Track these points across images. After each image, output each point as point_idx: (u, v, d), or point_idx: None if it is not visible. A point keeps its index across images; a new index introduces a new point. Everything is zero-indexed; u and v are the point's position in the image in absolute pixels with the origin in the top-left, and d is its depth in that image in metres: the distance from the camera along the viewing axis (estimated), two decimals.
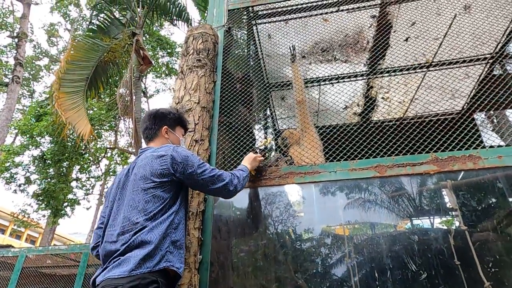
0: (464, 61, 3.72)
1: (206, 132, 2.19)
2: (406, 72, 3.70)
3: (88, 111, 8.79)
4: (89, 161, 10.08)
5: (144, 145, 1.80)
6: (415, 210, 2.24)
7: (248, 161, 1.87)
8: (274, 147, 3.48)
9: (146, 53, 4.36)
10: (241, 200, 2.15)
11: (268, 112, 4.24)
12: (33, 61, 18.19)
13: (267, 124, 4.01)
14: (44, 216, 14.55)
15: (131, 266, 1.29)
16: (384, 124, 3.67)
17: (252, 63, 3.55)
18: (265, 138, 2.29)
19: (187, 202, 1.64)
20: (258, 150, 2.08)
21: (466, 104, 4.21)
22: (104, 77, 5.96)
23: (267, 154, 2.16)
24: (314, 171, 1.97)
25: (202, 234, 1.91)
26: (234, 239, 2.12)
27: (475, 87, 3.91)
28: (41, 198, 7.96)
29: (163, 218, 1.42)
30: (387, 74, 3.86)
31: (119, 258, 1.34)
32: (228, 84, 2.57)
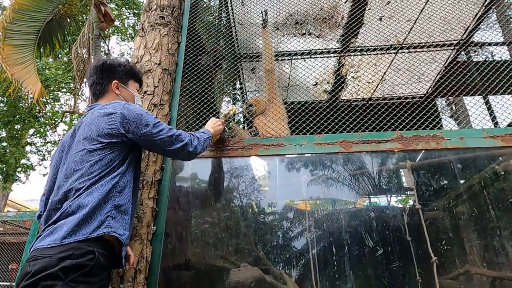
0: (432, 45, 3.77)
1: (166, 97, 2.04)
2: (377, 52, 3.68)
3: (44, 71, 8.12)
4: (45, 125, 9.41)
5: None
6: (374, 188, 2.27)
7: (210, 125, 1.74)
8: (239, 118, 3.38)
9: (108, 9, 3.99)
10: (202, 170, 2.05)
11: (238, 84, 4.10)
12: None
13: (235, 96, 3.88)
14: None
15: (62, 234, 1.14)
16: (353, 103, 3.68)
17: (222, 30, 3.36)
18: (231, 107, 2.17)
19: (137, 165, 1.48)
20: (222, 118, 1.97)
21: (430, 88, 4.31)
22: (61, 33, 5.45)
23: (231, 123, 2.06)
24: (279, 143, 1.90)
25: (157, 205, 1.80)
26: (194, 211, 2.04)
27: (440, 72, 3.99)
28: None
29: (105, 181, 1.27)
30: (358, 53, 3.83)
31: (51, 227, 1.20)
32: (194, 47, 2.39)
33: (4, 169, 7.74)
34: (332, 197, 2.13)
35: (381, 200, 2.29)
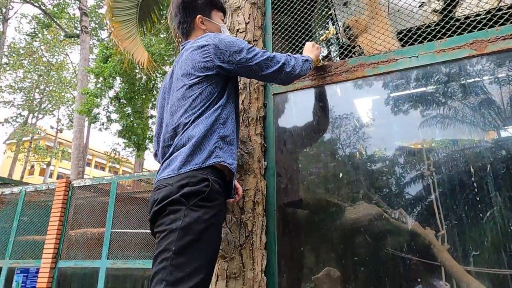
0: None
1: (259, 32, 1.95)
2: None
3: (149, 48, 8.96)
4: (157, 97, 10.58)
5: None
6: None
7: (308, 50, 1.61)
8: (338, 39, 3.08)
9: None
10: (305, 103, 1.94)
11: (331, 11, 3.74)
12: (96, 9, 18.78)
13: (331, 19, 3.55)
14: (131, 152, 16.28)
15: (178, 164, 1.23)
16: (475, 19, 2.98)
17: None
18: (327, 30, 1.96)
19: (236, 98, 1.49)
20: (319, 43, 1.80)
21: None
22: (156, 7, 5.83)
23: (330, 47, 1.87)
24: (389, 59, 1.65)
25: (265, 140, 1.79)
26: (300, 148, 1.98)
27: None
28: (123, 135, 8.77)
29: (208, 113, 1.30)
30: None
31: (167, 160, 1.30)
32: None
33: (135, 139, 9.13)
34: (461, 121, 1.78)
35: None
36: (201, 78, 1.33)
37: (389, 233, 1.83)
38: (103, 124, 9.46)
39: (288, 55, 1.46)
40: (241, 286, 1.51)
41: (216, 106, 1.33)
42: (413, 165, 1.76)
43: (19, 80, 21.18)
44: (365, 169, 1.84)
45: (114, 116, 9.37)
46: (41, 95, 22.40)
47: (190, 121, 1.29)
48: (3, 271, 5.56)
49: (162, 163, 1.33)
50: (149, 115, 11.19)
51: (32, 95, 21.88)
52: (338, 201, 1.95)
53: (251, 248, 1.56)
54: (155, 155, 1.57)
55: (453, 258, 1.71)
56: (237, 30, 1.93)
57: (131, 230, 5.28)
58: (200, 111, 1.30)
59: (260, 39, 1.95)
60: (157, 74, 9.91)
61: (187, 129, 1.28)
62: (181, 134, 1.29)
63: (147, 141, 10.40)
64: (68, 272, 5.27)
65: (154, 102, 10.92)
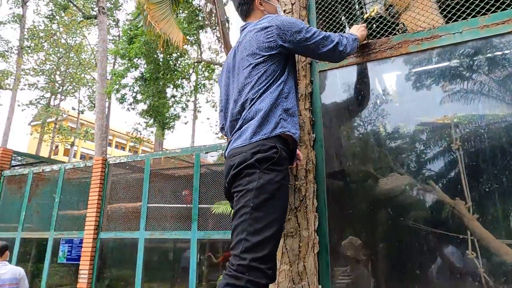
0: None
1: (304, 12, 2.06)
2: None
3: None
4: (180, 77, 10.75)
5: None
6: None
7: (354, 30, 1.74)
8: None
9: None
10: (349, 79, 2.07)
11: None
12: None
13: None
14: (152, 132, 16.68)
15: (249, 135, 1.41)
16: None
17: None
18: (370, 9, 2.05)
19: (295, 73, 1.66)
20: (362, 21, 1.90)
21: None
22: None
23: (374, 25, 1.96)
24: (433, 35, 1.74)
25: (313, 115, 1.94)
26: (344, 125, 2.11)
27: None
28: (149, 114, 9.05)
29: (273, 88, 1.47)
30: None
31: (238, 132, 1.47)
32: None
33: (160, 119, 9.42)
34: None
35: None
36: (265, 57, 1.48)
37: (419, 203, 1.98)
38: (131, 104, 9.78)
39: (340, 34, 1.60)
40: (297, 243, 1.71)
41: (279, 82, 1.48)
42: (460, 139, 1.88)
43: (41, 63, 21.70)
44: (402, 143, 1.97)
45: (138, 96, 9.66)
46: (62, 77, 22.92)
47: (257, 96, 1.45)
48: (49, 242, 6.02)
49: (233, 134, 1.51)
50: (170, 95, 11.41)
51: (53, 77, 22.42)
52: (376, 172, 2.10)
53: (305, 210, 1.75)
54: (222, 128, 1.76)
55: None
56: (284, 11, 2.04)
57: (166, 205, 5.59)
58: (265, 87, 1.46)
59: (305, 18, 2.06)
60: (177, 53, 10.02)
61: (254, 103, 1.45)
62: (249, 108, 1.45)
63: (170, 120, 10.69)
64: (109, 242, 5.68)
65: (175, 81, 11.13)
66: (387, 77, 2.02)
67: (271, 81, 1.47)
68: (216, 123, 24.11)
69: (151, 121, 10.03)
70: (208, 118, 30.68)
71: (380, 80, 2.02)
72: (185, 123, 18.81)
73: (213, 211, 4.15)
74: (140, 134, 16.51)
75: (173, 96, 11.10)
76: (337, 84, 2.03)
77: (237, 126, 1.49)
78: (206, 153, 5.38)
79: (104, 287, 5.72)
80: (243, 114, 1.48)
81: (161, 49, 5.02)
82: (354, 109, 2.01)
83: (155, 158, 5.78)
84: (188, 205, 5.75)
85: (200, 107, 15.96)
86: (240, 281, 1.17)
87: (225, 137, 1.81)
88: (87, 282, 5.35)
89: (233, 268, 1.21)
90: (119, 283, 5.99)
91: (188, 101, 11.89)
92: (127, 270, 6.11)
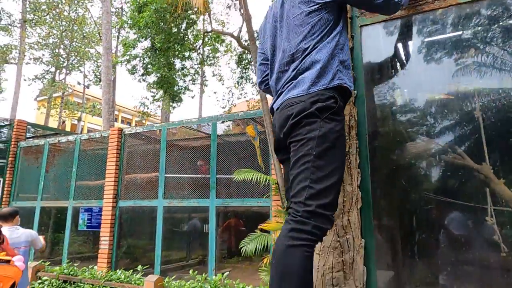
0: None
1: None
2: None
3: None
4: (189, 48, 10.57)
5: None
6: None
7: None
8: None
9: None
10: (391, 37, 2.00)
11: None
12: None
13: None
14: (159, 106, 16.63)
15: (307, 85, 1.38)
16: None
17: None
18: None
19: (347, 25, 1.59)
20: None
21: None
22: None
23: None
24: None
25: (354, 71, 1.90)
26: (386, 81, 2.06)
27: None
28: (159, 86, 8.97)
29: (329, 39, 1.43)
30: None
31: (292, 82, 1.44)
32: None
33: (170, 90, 9.35)
34: None
35: None
36: (320, 5, 1.42)
37: (447, 167, 1.97)
38: (142, 75, 9.65)
39: None
40: (342, 198, 1.72)
41: (335, 33, 1.43)
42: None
43: (44, 36, 21.39)
44: (444, 104, 1.93)
45: (148, 68, 9.53)
46: (67, 51, 22.66)
47: (311, 46, 1.41)
48: (68, 210, 6.16)
49: (284, 85, 1.48)
50: (179, 67, 11.26)
51: (57, 51, 22.17)
52: (412, 132, 2.07)
53: (348, 166, 1.75)
54: (261, 82, 1.72)
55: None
56: None
57: (182, 175, 5.64)
58: (319, 37, 1.41)
59: None
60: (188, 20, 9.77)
61: (309, 53, 1.41)
62: (303, 59, 1.41)
63: (179, 92, 10.60)
64: (128, 210, 5.79)
65: (183, 52, 10.95)
66: (431, 32, 1.95)
67: (326, 30, 1.42)
68: (223, 97, 23.94)
69: (161, 93, 9.94)
70: (215, 92, 30.38)
71: (423, 35, 1.96)
72: (192, 97, 18.71)
73: (235, 179, 4.18)
74: (148, 108, 16.49)
75: (183, 67, 10.95)
76: (379, 39, 1.97)
77: (290, 77, 1.45)
78: (223, 122, 5.36)
79: (124, 252, 5.90)
80: (295, 64, 1.44)
81: (179, 11, 4.88)
82: (396, 64, 1.96)
83: (170, 128, 5.78)
84: (204, 175, 5.82)
85: (206, 80, 15.78)
86: (306, 226, 1.19)
87: (263, 92, 1.78)
88: (108, 248, 5.51)
89: (298, 214, 1.22)
90: (138, 249, 6.18)
91: (197, 73, 11.73)
92: (145, 237, 6.27)
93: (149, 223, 6.11)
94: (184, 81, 11.02)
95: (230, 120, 5.22)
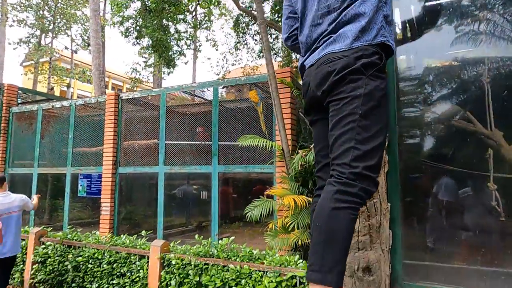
0: None
1: None
2: None
3: None
4: (184, 10, 10.04)
5: None
6: None
7: None
8: None
9: None
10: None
11: None
12: None
13: None
14: (151, 72, 16.17)
15: (350, 40, 1.27)
16: None
17: None
18: None
19: None
20: None
21: None
22: None
23: None
24: None
25: None
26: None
27: None
28: (154, 50, 8.59)
29: None
30: None
31: (331, 36, 1.32)
32: None
33: (166, 55, 8.98)
34: None
35: None
36: None
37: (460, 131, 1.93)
38: (136, 38, 9.20)
39: None
40: None
41: None
42: None
43: None
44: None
45: (141, 35, 9.08)
46: (52, 13, 21.53)
47: None
48: (67, 177, 6.09)
49: (320, 39, 1.36)
50: (172, 31, 10.79)
51: (42, 13, 21.05)
52: (434, 97, 2.01)
53: None
54: (287, 39, 1.60)
55: None
56: None
57: (182, 142, 5.56)
58: None
59: None
60: None
61: (350, 5, 1.28)
62: (343, 10, 1.29)
63: (174, 56, 10.22)
64: (128, 176, 5.74)
65: (179, 16, 10.45)
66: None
67: None
68: (217, 64, 23.35)
69: (156, 57, 9.55)
70: (208, 58, 29.53)
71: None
72: (185, 63, 18.20)
73: (240, 144, 4.12)
74: (140, 74, 16.00)
75: (177, 31, 10.48)
76: None
77: (327, 30, 1.33)
78: (224, 87, 5.21)
79: (124, 218, 5.92)
80: (333, 16, 1.32)
81: None
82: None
83: (169, 94, 5.60)
84: (203, 142, 5.74)
85: (200, 46, 15.28)
86: (353, 188, 1.14)
87: (290, 48, 1.66)
88: (110, 214, 5.51)
89: (344, 175, 1.16)
90: (138, 215, 6.21)
91: (192, 37, 11.25)
92: (146, 203, 6.28)
93: (150, 189, 6.08)
94: (178, 45, 10.61)
95: (231, 85, 5.07)
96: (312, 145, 3.66)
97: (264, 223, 4.22)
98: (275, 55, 11.57)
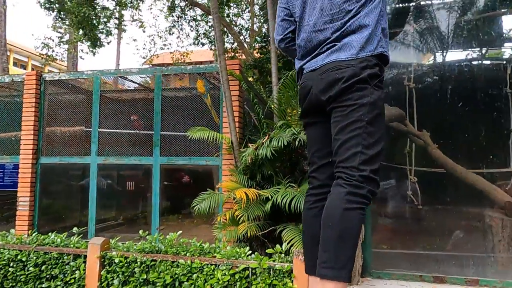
0: None
1: None
2: None
3: None
4: None
5: None
6: None
7: None
8: None
9: None
10: None
11: None
12: None
13: None
14: (66, 50, 14.51)
15: (356, 50, 1.35)
16: None
17: None
18: None
19: None
20: None
21: None
22: None
23: None
24: None
25: None
26: None
27: None
28: (80, 26, 7.66)
29: (374, 4, 1.40)
30: None
31: (335, 44, 1.39)
32: None
33: (93, 34, 8.11)
34: None
35: None
36: None
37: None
38: (59, 12, 8.00)
39: None
40: None
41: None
42: None
43: None
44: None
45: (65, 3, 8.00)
46: None
47: (355, 9, 1.36)
48: None
49: (322, 46, 1.41)
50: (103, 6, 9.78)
51: None
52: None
53: None
54: (282, 40, 1.61)
55: None
56: None
57: (116, 130, 5.19)
58: (363, 0, 1.36)
59: None
60: None
61: (354, 16, 1.36)
62: (349, 21, 1.36)
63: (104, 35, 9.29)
64: (53, 167, 5.15)
65: None
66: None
67: None
68: (144, 46, 21.87)
69: (77, 34, 8.55)
70: (134, 40, 27.44)
71: None
72: (108, 43, 16.65)
73: (190, 137, 4.00)
74: (53, 51, 14.20)
75: (104, 8, 9.51)
76: None
77: (331, 38, 1.40)
78: (168, 74, 4.97)
79: (47, 213, 5.31)
80: (337, 25, 1.38)
81: None
82: None
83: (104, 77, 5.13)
84: (138, 131, 5.44)
85: (125, 25, 14.21)
86: (362, 190, 1.25)
87: (280, 50, 1.68)
88: (29, 210, 4.88)
89: (353, 178, 1.25)
90: (64, 210, 5.63)
91: (121, 16, 10.33)
92: (72, 196, 5.73)
93: (79, 181, 5.54)
94: (105, 23, 9.66)
95: (175, 73, 4.86)
96: (264, 139, 3.76)
97: (207, 216, 4.19)
98: (210, 44, 11.37)
